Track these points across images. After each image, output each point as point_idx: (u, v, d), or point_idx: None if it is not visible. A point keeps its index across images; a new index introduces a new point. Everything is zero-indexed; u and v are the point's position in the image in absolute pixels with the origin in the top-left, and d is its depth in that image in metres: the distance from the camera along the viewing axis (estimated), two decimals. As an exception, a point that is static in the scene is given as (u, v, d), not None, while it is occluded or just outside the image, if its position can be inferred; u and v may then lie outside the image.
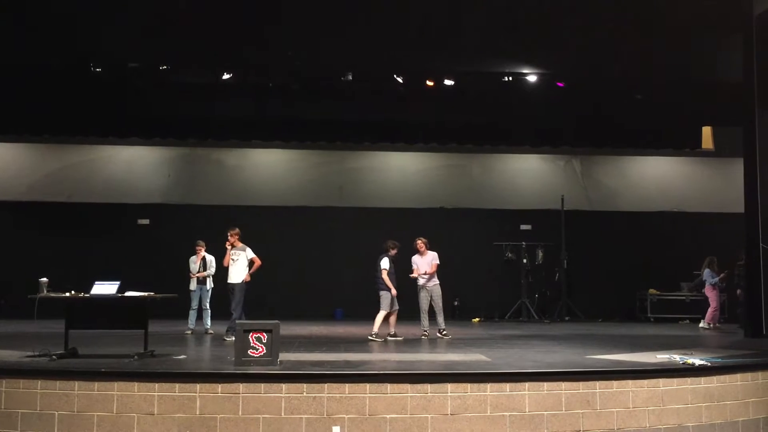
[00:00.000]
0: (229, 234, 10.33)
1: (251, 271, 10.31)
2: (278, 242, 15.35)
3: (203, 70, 13.32)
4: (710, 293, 12.92)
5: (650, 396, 6.50)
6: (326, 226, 15.87)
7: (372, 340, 9.97)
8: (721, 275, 12.98)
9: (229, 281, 10.27)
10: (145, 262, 14.32)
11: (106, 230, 15.42)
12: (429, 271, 10.57)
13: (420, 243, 10.70)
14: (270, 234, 15.19)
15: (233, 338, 7.96)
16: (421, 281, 10.65)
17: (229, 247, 10.31)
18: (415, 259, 10.71)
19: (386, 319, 10.31)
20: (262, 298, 13.48)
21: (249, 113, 14.30)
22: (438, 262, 10.64)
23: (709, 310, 12.91)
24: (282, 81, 13.46)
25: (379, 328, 10.14)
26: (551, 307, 15.65)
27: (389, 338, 10.14)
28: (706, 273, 13.01)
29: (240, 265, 10.22)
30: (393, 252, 10.43)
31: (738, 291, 12.97)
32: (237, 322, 10.00)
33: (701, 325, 13.15)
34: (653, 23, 11.16)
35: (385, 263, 10.29)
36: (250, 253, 10.34)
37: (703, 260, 13.21)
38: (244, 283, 10.22)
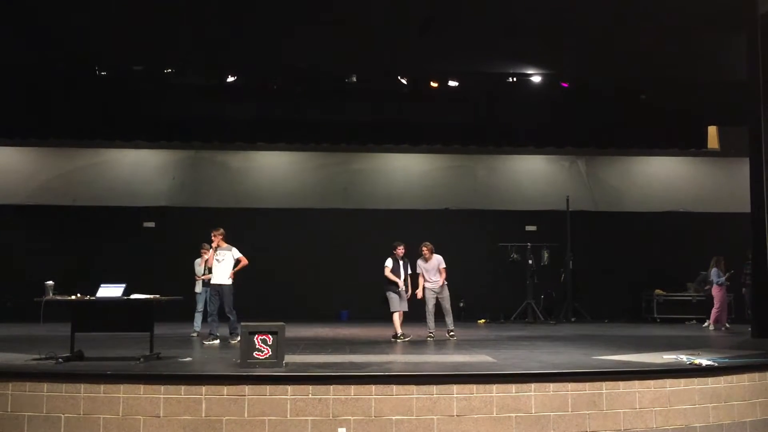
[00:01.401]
0: (212, 234, 10.08)
1: (236, 270, 9.98)
2: (282, 244, 15.41)
3: (208, 73, 13.34)
4: (716, 293, 12.88)
5: (657, 396, 6.48)
6: (330, 227, 15.87)
7: (397, 341, 10.06)
8: (727, 275, 12.94)
9: (215, 282, 10.03)
10: (150, 265, 14.35)
11: (111, 233, 15.47)
12: (441, 279, 10.56)
13: (425, 249, 10.68)
14: (274, 236, 15.24)
15: (238, 340, 7.96)
16: (428, 285, 10.65)
17: (214, 247, 10.05)
18: (420, 263, 10.70)
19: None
20: (266, 300, 13.52)
21: (253, 115, 14.30)
22: (444, 266, 10.64)
23: (713, 310, 12.87)
24: (285, 83, 13.45)
25: (400, 328, 10.26)
26: (557, 308, 15.63)
27: (392, 339, 10.18)
28: (713, 272, 12.96)
29: (226, 265, 9.99)
30: (399, 251, 10.50)
31: (743, 290, 12.89)
32: (211, 321, 10.02)
33: (705, 324, 13.11)
34: (656, 22, 11.14)
35: (387, 262, 10.43)
36: (236, 253, 10.05)
37: (711, 260, 13.16)
38: (231, 284, 10.02)
